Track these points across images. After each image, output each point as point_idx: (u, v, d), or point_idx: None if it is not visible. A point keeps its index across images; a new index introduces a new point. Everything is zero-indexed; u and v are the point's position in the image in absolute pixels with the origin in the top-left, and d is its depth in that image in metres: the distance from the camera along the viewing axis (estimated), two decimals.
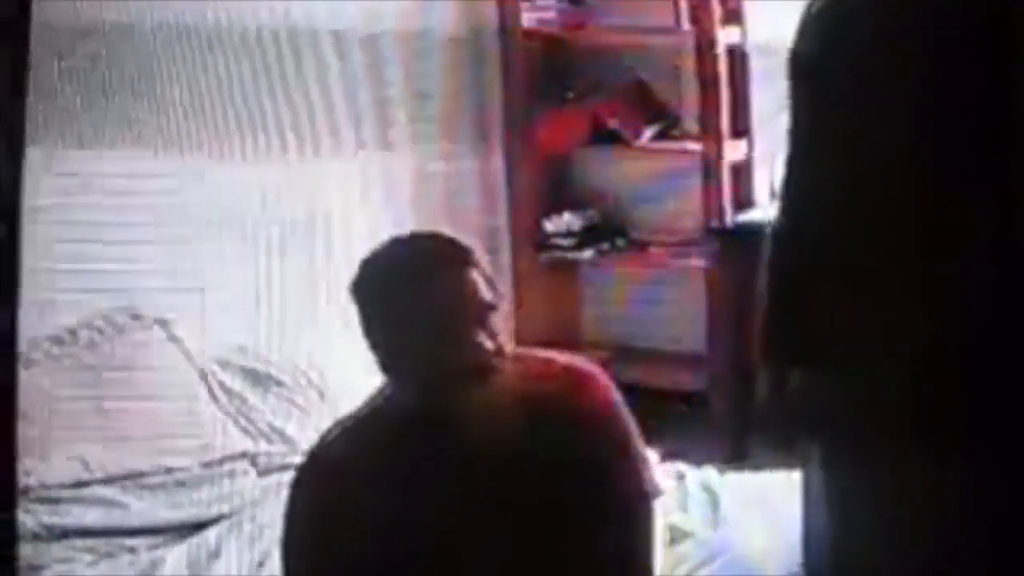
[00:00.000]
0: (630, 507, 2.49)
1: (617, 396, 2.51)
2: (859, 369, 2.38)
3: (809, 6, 2.43)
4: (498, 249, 5.41)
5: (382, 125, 5.01)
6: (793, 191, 2.47)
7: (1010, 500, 2.29)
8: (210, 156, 4.48)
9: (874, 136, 2.33)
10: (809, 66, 2.42)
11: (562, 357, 2.59)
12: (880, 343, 2.35)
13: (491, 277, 2.44)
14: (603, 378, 2.52)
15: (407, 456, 2.42)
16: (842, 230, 2.37)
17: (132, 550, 3.64)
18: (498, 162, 5.52)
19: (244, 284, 4.52)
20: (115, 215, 4.24)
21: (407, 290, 2.39)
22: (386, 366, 2.44)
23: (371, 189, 5.00)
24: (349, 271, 2.49)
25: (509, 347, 2.43)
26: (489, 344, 2.38)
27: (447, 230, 2.60)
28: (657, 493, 2.53)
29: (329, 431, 2.57)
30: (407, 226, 3.96)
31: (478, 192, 5.49)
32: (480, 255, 2.45)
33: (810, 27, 2.42)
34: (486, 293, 2.41)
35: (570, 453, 2.43)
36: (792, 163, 2.46)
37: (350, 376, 4.22)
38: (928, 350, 2.31)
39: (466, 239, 2.50)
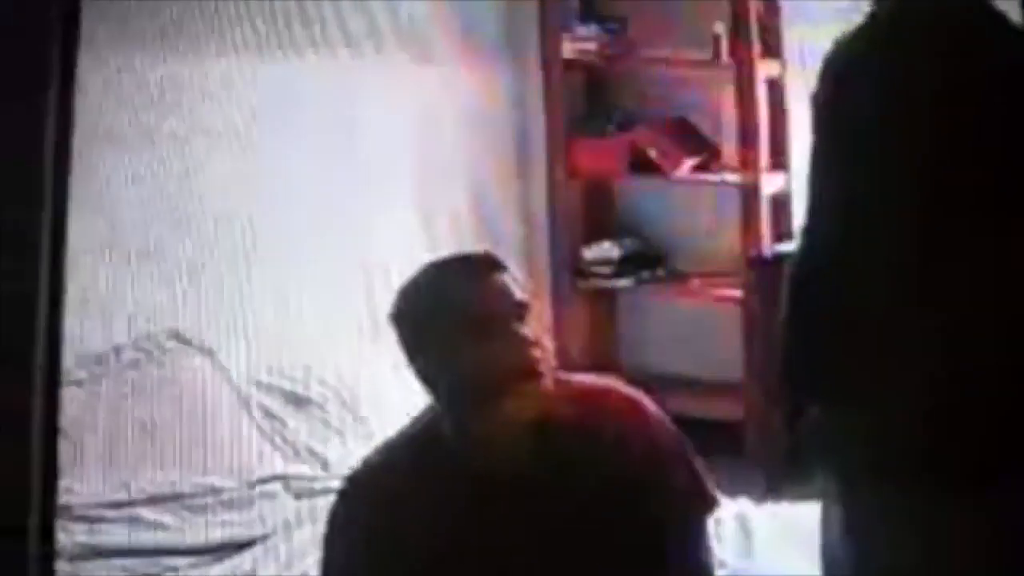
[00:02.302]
0: (692, 518, 2.50)
1: (662, 415, 2.52)
2: (876, 405, 2.39)
3: (831, 51, 2.46)
4: (537, 276, 5.43)
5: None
6: (811, 231, 2.49)
7: None
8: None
9: (888, 178, 2.35)
10: (827, 109, 2.44)
11: (602, 381, 2.61)
12: (897, 380, 2.37)
13: (520, 279, 2.48)
14: (645, 399, 2.54)
15: (453, 480, 2.42)
16: (859, 268, 2.39)
17: (173, 570, 3.67)
18: (539, 190, 5.55)
19: (283, 305, 4.55)
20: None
21: (445, 302, 2.41)
22: (433, 387, 2.46)
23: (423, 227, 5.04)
24: (388, 298, 2.52)
25: (548, 342, 2.44)
26: (528, 333, 2.40)
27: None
28: (717, 502, 2.54)
29: (374, 453, 2.57)
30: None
31: (518, 220, 5.52)
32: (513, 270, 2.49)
33: (830, 71, 2.45)
34: (518, 292, 2.43)
35: (621, 475, 2.43)
36: (811, 204, 2.48)
37: (387, 398, 4.24)
38: (944, 386, 2.33)
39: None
